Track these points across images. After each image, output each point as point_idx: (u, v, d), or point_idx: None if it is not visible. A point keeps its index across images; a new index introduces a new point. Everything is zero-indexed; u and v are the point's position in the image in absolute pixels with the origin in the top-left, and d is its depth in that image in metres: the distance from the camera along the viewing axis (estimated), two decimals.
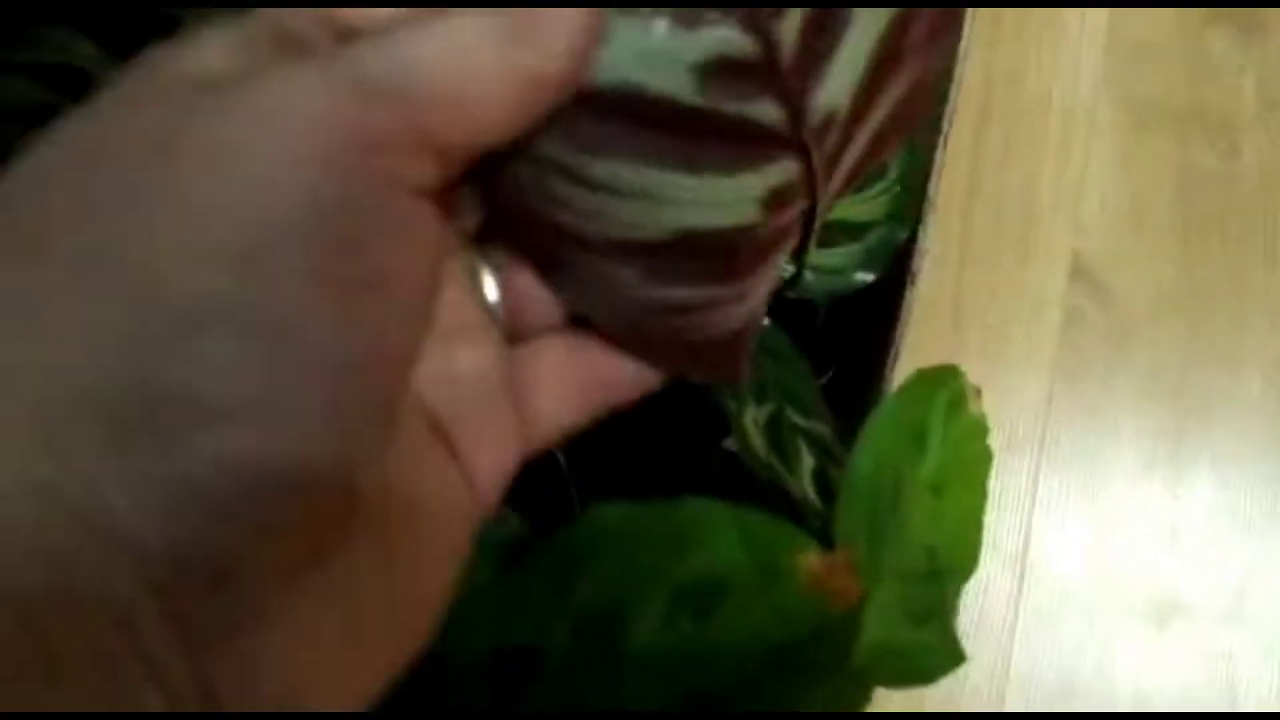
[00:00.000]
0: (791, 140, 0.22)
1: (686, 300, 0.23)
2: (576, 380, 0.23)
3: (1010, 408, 0.55)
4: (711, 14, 0.20)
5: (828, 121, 0.22)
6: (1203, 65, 0.58)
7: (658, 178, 0.21)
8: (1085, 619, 0.52)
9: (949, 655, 0.30)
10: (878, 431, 0.31)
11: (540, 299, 0.23)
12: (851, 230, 0.40)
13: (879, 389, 0.38)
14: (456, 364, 0.21)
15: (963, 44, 0.40)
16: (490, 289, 0.22)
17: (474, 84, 0.17)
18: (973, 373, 0.55)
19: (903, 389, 0.33)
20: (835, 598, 0.27)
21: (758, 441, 0.35)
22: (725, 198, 0.22)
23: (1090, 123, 0.58)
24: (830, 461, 0.36)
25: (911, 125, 0.25)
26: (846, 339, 0.43)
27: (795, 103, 0.21)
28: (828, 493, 0.34)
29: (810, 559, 0.28)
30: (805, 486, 0.34)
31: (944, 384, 0.33)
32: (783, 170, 0.22)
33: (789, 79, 0.21)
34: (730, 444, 0.38)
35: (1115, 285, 0.56)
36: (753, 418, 0.36)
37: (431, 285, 0.19)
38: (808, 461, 0.35)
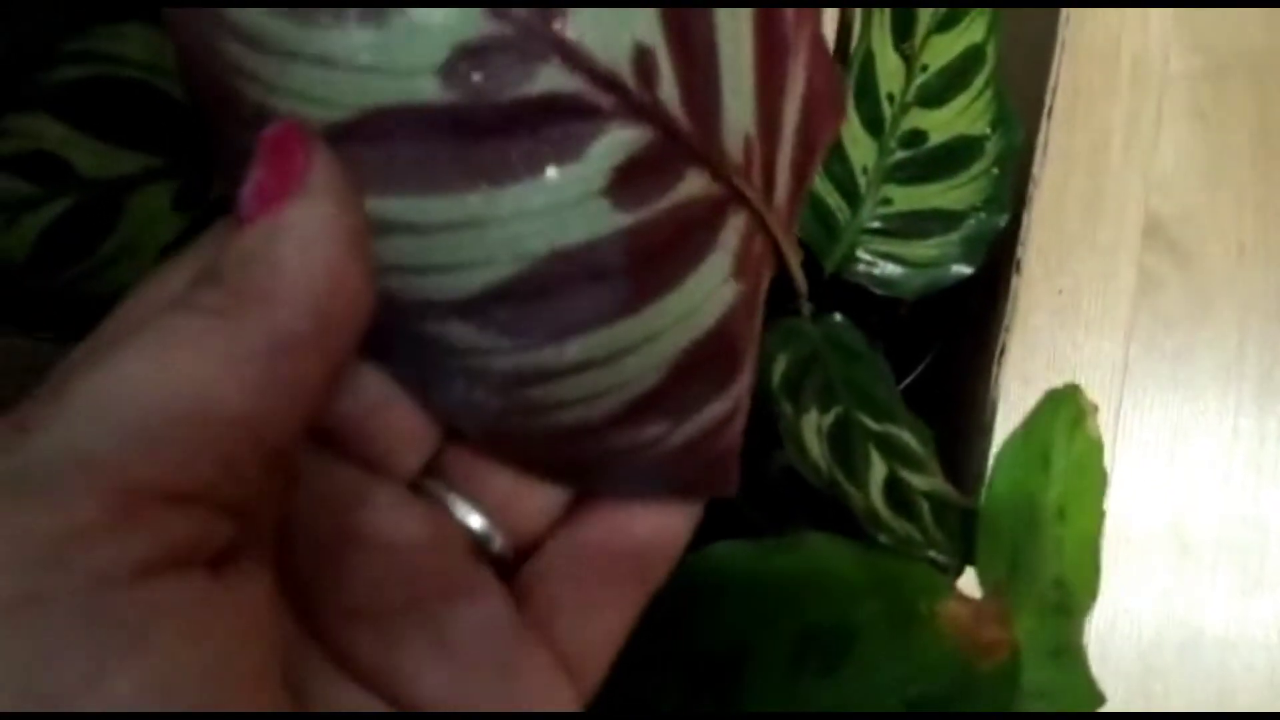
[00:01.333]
0: (729, 194, 0.20)
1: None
2: (596, 579, 0.21)
3: (1084, 378, 0.52)
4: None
5: (748, 149, 0.20)
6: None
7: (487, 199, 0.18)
8: (1165, 599, 0.50)
9: (1087, 696, 0.28)
10: (1011, 455, 0.29)
11: (530, 493, 0.21)
12: (945, 219, 0.37)
13: (983, 390, 0.36)
14: (456, 635, 0.19)
15: (1064, 11, 0.37)
16: (470, 517, 0.20)
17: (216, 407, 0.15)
18: (1042, 341, 0.53)
19: (1034, 409, 0.30)
20: (983, 650, 0.25)
21: (817, 451, 0.33)
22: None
23: (1162, 71, 0.54)
24: (908, 468, 0.33)
25: (828, 124, 0.23)
26: (937, 334, 0.41)
27: (706, 128, 0.19)
28: (901, 503, 0.32)
29: (955, 607, 0.26)
30: (873, 498, 0.32)
31: (1065, 402, 0.31)
32: (734, 226, 0.20)
33: (690, 119, 0.19)
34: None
35: (1193, 245, 0.53)
36: (815, 425, 0.34)
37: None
38: (878, 470, 0.33)
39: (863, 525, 0.30)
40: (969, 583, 0.32)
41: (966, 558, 0.31)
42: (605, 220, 0.19)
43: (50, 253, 0.28)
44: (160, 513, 0.14)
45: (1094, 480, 0.33)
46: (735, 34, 0.19)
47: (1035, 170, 0.36)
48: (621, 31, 0.18)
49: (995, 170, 0.37)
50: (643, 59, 0.18)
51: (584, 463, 0.21)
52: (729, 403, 0.21)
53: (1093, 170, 0.54)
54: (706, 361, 0.21)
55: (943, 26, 0.36)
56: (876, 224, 0.38)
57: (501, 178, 0.18)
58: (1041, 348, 0.52)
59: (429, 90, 0.17)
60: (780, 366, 0.35)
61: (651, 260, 0.19)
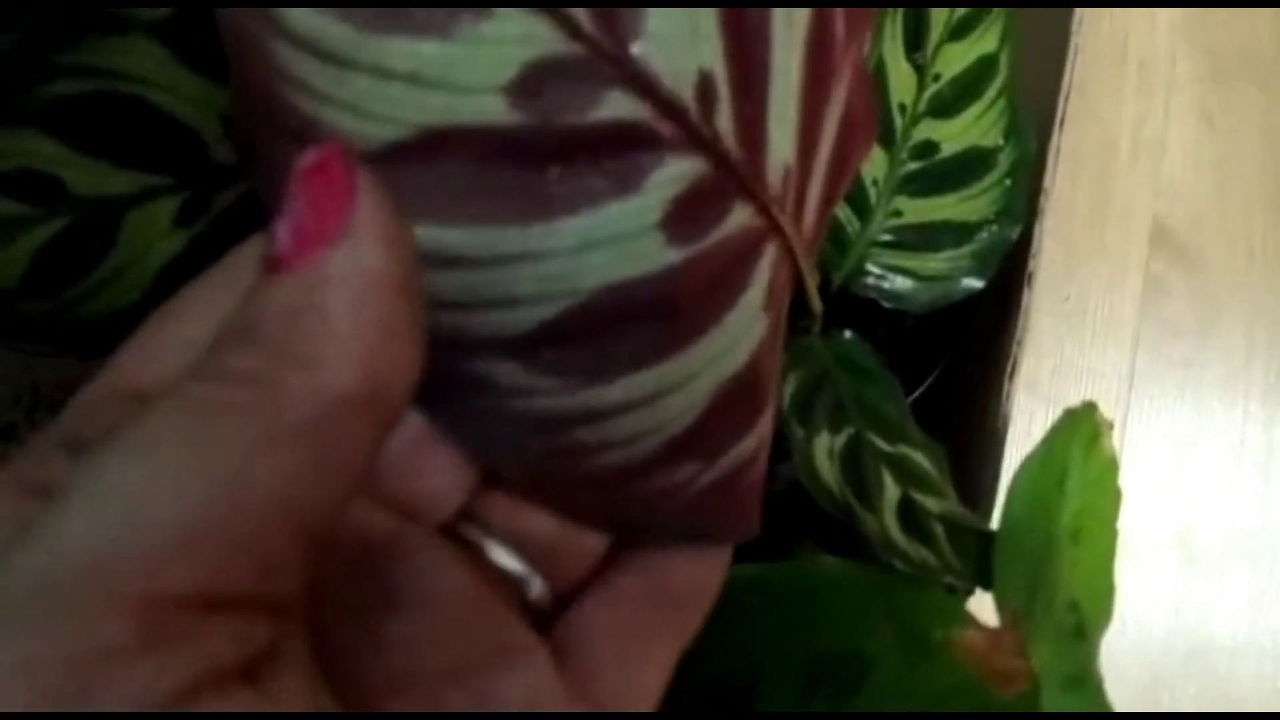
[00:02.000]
0: (768, 225, 0.19)
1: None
2: (637, 633, 0.20)
3: (1090, 386, 0.52)
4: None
5: (786, 179, 0.19)
6: None
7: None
8: (1173, 610, 0.50)
9: None
10: (1029, 476, 0.29)
11: (570, 537, 0.20)
12: (957, 231, 0.36)
13: (994, 405, 0.35)
14: (501, 704, 0.18)
15: (1077, 14, 0.36)
16: (508, 561, 0.20)
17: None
18: (1047, 348, 0.52)
19: (1051, 429, 0.30)
20: (1001, 679, 0.25)
21: (830, 474, 0.32)
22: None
23: (1169, 74, 0.54)
24: (921, 490, 0.33)
25: (860, 147, 0.22)
26: (945, 347, 0.40)
27: (755, 158, 0.18)
28: (915, 526, 0.31)
29: (971, 636, 0.25)
30: (887, 522, 0.31)
31: (1082, 420, 0.30)
32: (768, 258, 0.19)
33: (739, 144, 0.18)
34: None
35: (1200, 250, 0.52)
36: (827, 447, 0.33)
37: None
38: (891, 492, 0.32)
39: (876, 551, 0.29)
40: (977, 604, 0.31)
41: (980, 581, 0.30)
42: (659, 255, 0.18)
43: (45, 274, 0.28)
44: (197, 625, 0.12)
45: (1109, 499, 0.32)
46: (787, 61, 0.19)
47: (1047, 182, 0.35)
48: (690, 56, 0.17)
49: (1008, 181, 0.36)
50: (705, 86, 0.18)
51: (625, 506, 0.20)
52: (755, 440, 0.21)
53: (1099, 175, 0.53)
54: (737, 399, 0.20)
55: (955, 35, 0.36)
56: (886, 237, 0.37)
57: (562, 209, 0.17)
58: (1047, 355, 0.51)
59: (495, 110, 0.16)
60: (790, 386, 0.34)
61: (698, 297, 0.19)
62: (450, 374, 0.18)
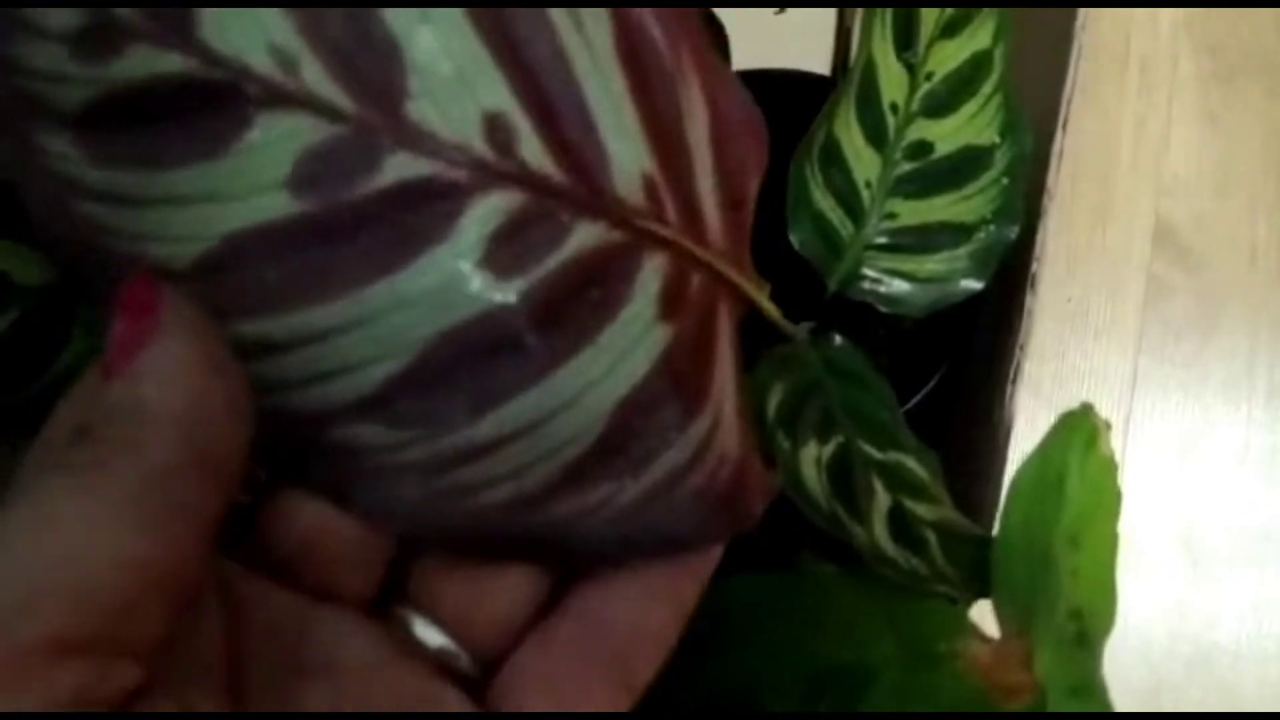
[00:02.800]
0: (636, 238, 0.19)
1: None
2: (571, 683, 0.20)
3: (1092, 388, 0.51)
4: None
5: (650, 188, 0.20)
6: None
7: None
8: (1176, 612, 0.49)
9: None
10: (1026, 482, 0.28)
11: (489, 599, 0.20)
12: (954, 232, 0.36)
13: (997, 411, 0.34)
14: None
15: (1080, 15, 0.36)
16: (431, 635, 0.20)
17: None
18: (1049, 350, 0.51)
19: (1048, 434, 0.29)
20: (1005, 692, 0.24)
21: (817, 485, 0.32)
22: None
23: (1172, 73, 0.53)
24: (914, 498, 0.32)
25: (751, 149, 0.22)
26: (945, 351, 0.39)
27: (588, 177, 0.19)
28: (907, 536, 0.31)
29: (974, 648, 0.25)
30: (877, 532, 0.31)
31: (1079, 423, 0.29)
32: (651, 269, 0.19)
33: (571, 173, 0.19)
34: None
35: (1203, 251, 0.52)
36: (814, 457, 0.32)
37: None
38: (882, 501, 0.32)
39: (866, 562, 0.29)
40: (978, 612, 0.31)
41: (979, 590, 0.29)
42: (490, 292, 0.18)
43: (6, 368, 0.27)
44: (48, 667, 0.14)
45: (1108, 502, 0.32)
46: (600, 76, 0.19)
47: (1050, 182, 0.34)
48: (466, 105, 0.18)
49: (1005, 180, 0.36)
50: (495, 125, 0.18)
51: (529, 537, 0.20)
52: (688, 449, 0.20)
53: (1101, 175, 0.52)
54: (647, 411, 0.20)
55: (947, 32, 0.35)
56: (882, 239, 0.36)
57: (373, 274, 0.18)
58: (1049, 358, 0.51)
59: (280, 205, 0.18)
60: (776, 397, 0.33)
61: (553, 322, 0.19)
62: (318, 447, 0.19)
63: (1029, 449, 0.36)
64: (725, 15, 0.40)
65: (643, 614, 0.20)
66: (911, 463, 0.33)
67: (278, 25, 0.17)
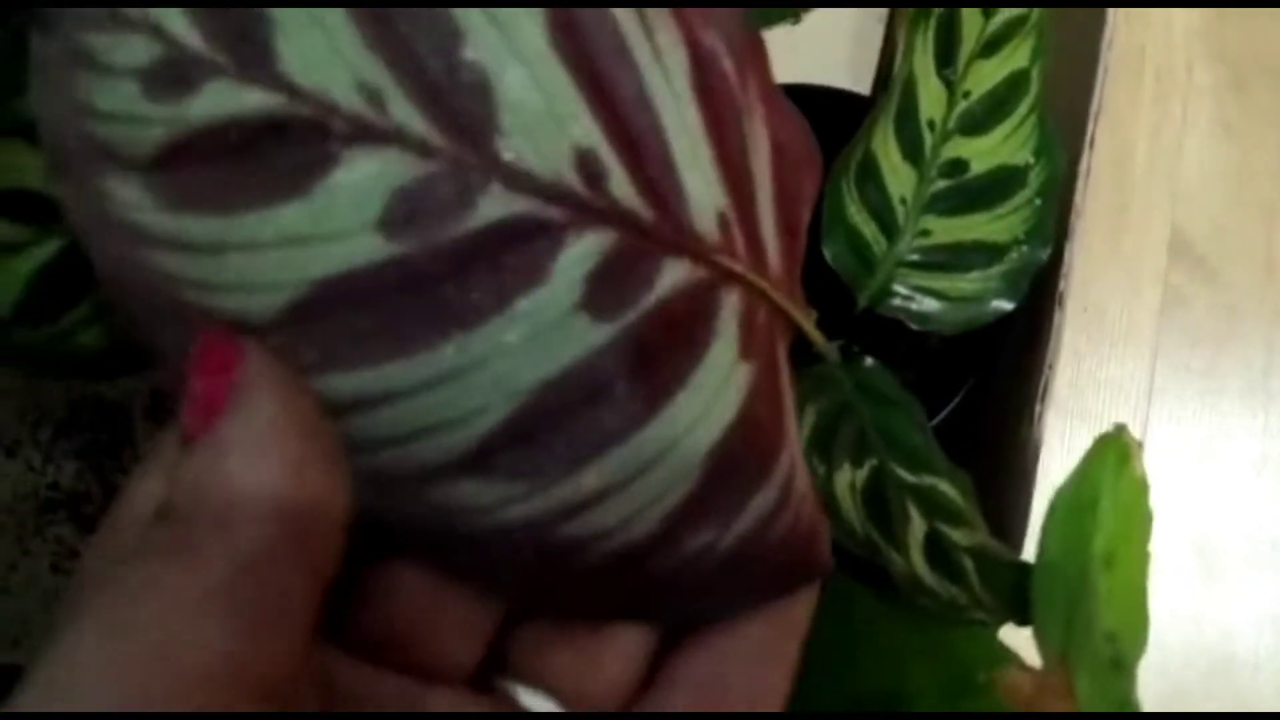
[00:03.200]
0: (716, 274, 0.19)
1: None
2: None
3: (1109, 397, 0.51)
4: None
5: (723, 223, 0.19)
6: None
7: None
8: (1193, 622, 0.49)
9: None
10: (1063, 508, 0.28)
11: (597, 665, 0.19)
12: (987, 252, 0.36)
13: (1025, 430, 0.35)
14: None
15: (1108, 29, 0.36)
16: (539, 704, 0.19)
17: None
18: (1066, 360, 0.51)
19: (1083, 458, 0.29)
20: None
21: (853, 512, 0.31)
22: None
23: (1186, 83, 0.53)
24: (949, 523, 0.32)
25: (807, 176, 0.22)
26: (971, 368, 0.39)
27: (671, 214, 0.18)
28: (942, 561, 0.31)
29: (1016, 677, 0.25)
30: (914, 559, 0.30)
31: (1112, 444, 0.30)
32: (730, 306, 0.19)
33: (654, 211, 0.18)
34: None
35: (1219, 260, 0.52)
36: (849, 482, 0.32)
37: None
38: (918, 527, 0.32)
39: (904, 592, 0.29)
40: (1012, 635, 0.31)
41: (1020, 618, 0.29)
42: (590, 335, 0.18)
43: (40, 301, 0.26)
44: None
45: (1140, 523, 0.32)
46: (678, 111, 0.19)
47: (1078, 200, 0.34)
48: (558, 139, 0.17)
49: (1038, 201, 0.36)
50: (586, 161, 0.18)
51: (639, 593, 0.19)
52: (775, 489, 0.20)
53: (1117, 185, 0.52)
54: (739, 453, 0.19)
55: (986, 51, 0.35)
56: (915, 256, 0.36)
57: (471, 320, 0.17)
58: (1066, 367, 0.51)
59: (372, 248, 0.17)
60: (810, 419, 0.33)
61: (649, 364, 0.18)
62: (416, 511, 0.18)
63: (1047, 458, 0.36)
64: None
65: (755, 678, 0.20)
66: (945, 486, 0.33)
67: (363, 60, 0.17)
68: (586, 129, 0.18)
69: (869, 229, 0.36)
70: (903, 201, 0.36)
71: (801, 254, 0.22)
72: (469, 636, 0.19)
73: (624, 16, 0.18)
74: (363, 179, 0.17)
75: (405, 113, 0.17)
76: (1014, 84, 0.35)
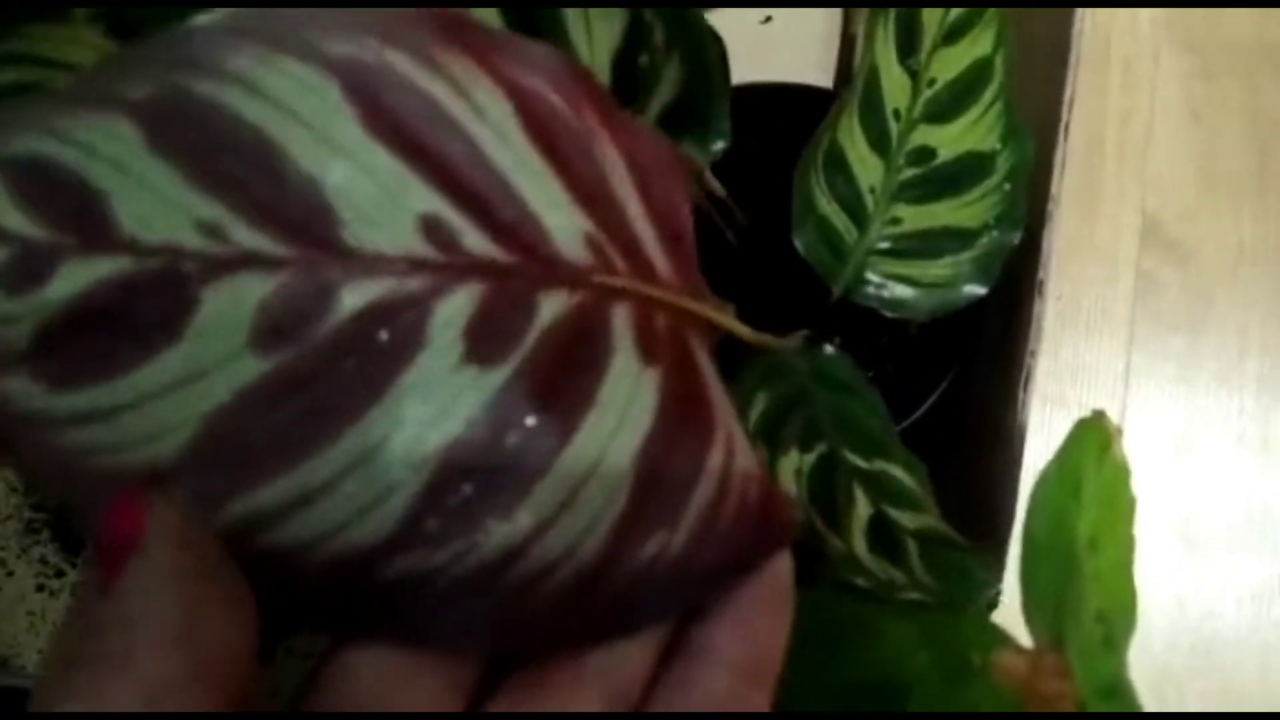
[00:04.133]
0: (597, 295, 0.20)
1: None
2: None
3: (1086, 383, 0.52)
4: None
5: (594, 246, 0.20)
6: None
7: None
8: (1176, 604, 0.49)
9: None
10: (1046, 491, 0.28)
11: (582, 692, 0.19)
12: (957, 237, 0.36)
13: (1010, 416, 0.35)
14: None
15: (1078, 17, 0.36)
16: None
17: None
18: (1043, 347, 0.52)
19: (1064, 442, 0.29)
20: (1043, 703, 0.24)
21: (792, 492, 0.32)
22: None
23: (1153, 71, 0.54)
24: (897, 506, 0.32)
25: (673, 182, 0.23)
26: (954, 357, 0.40)
27: (534, 252, 0.19)
28: (885, 542, 0.31)
29: (1011, 659, 0.25)
30: (854, 541, 0.31)
31: (1093, 428, 0.30)
32: (620, 321, 0.20)
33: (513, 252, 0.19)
34: None
35: (1191, 245, 0.52)
36: (794, 467, 0.32)
37: None
38: (863, 510, 0.32)
39: (838, 571, 0.29)
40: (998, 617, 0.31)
41: (960, 600, 0.29)
42: (483, 383, 0.18)
43: None
44: None
45: (1123, 506, 0.32)
46: (516, 156, 0.19)
47: (1054, 188, 0.35)
48: (399, 215, 0.18)
49: (1007, 186, 0.36)
50: (433, 228, 0.18)
51: (605, 612, 0.19)
52: (712, 480, 0.21)
53: (1088, 173, 0.53)
54: (666, 454, 0.20)
55: (949, 39, 0.35)
56: (885, 244, 0.36)
57: (362, 406, 0.18)
58: (1043, 354, 0.51)
59: (250, 368, 0.17)
60: (760, 406, 0.33)
61: (551, 393, 0.19)
62: (374, 591, 0.18)
63: (1027, 446, 0.36)
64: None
65: (757, 632, 0.21)
66: (898, 471, 0.33)
67: (195, 201, 0.17)
68: (425, 198, 0.18)
69: (839, 219, 0.36)
70: (871, 191, 0.36)
71: (693, 254, 0.23)
72: (450, 696, 0.19)
73: (432, 85, 0.19)
74: (225, 309, 0.17)
75: (247, 236, 0.18)
76: (978, 71, 0.35)
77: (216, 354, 0.17)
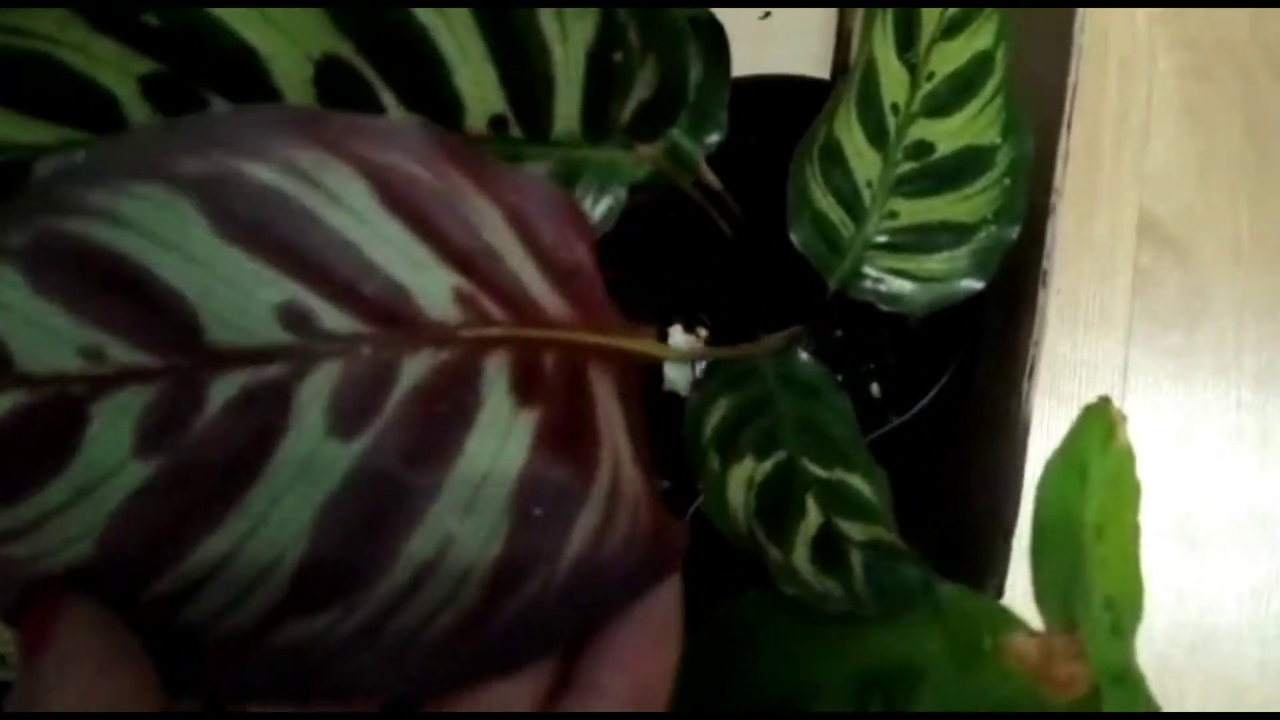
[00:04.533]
0: (469, 345, 0.21)
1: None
2: None
3: (1084, 378, 0.52)
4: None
5: (463, 299, 0.21)
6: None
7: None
8: (1176, 598, 0.50)
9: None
10: (1053, 477, 0.28)
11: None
12: (955, 232, 0.36)
13: (1014, 408, 0.35)
14: None
15: (1080, 12, 0.36)
16: None
17: None
18: (1042, 342, 0.52)
19: (1071, 429, 0.29)
20: (1058, 685, 0.24)
21: (740, 505, 0.32)
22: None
23: (1150, 69, 0.54)
24: (849, 517, 0.32)
25: (561, 222, 0.23)
26: (954, 351, 0.40)
27: (396, 318, 0.20)
28: (829, 554, 0.30)
29: (1023, 643, 0.25)
30: (796, 552, 0.30)
31: (1098, 414, 0.30)
32: (494, 368, 0.21)
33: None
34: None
35: (1188, 241, 0.52)
36: (747, 476, 0.32)
37: None
38: (812, 520, 0.32)
39: (774, 579, 0.29)
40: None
41: (885, 612, 0.29)
42: (348, 452, 0.20)
43: None
44: None
45: (1128, 493, 0.32)
46: (372, 228, 0.20)
47: (1057, 180, 0.35)
48: (255, 308, 0.20)
49: (1007, 180, 0.36)
50: (291, 313, 0.20)
51: (494, 647, 0.20)
52: (597, 508, 0.21)
53: (1086, 169, 0.53)
54: (542, 490, 0.21)
55: (949, 33, 0.35)
56: (882, 239, 0.36)
57: (242, 489, 0.19)
58: (1043, 349, 0.51)
59: (139, 473, 0.19)
60: (718, 413, 0.33)
61: (419, 447, 0.20)
62: (269, 658, 0.20)
63: (1027, 438, 0.36)
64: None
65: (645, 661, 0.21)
66: (857, 480, 0.33)
67: (75, 330, 0.19)
68: (282, 288, 0.20)
69: (836, 213, 0.36)
70: (869, 185, 0.36)
71: (597, 285, 0.24)
72: None
73: (282, 182, 0.20)
74: (109, 424, 0.19)
75: (122, 353, 0.19)
76: (978, 65, 0.35)
77: (106, 465, 0.19)
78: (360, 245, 0.20)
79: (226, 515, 0.19)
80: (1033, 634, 0.25)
